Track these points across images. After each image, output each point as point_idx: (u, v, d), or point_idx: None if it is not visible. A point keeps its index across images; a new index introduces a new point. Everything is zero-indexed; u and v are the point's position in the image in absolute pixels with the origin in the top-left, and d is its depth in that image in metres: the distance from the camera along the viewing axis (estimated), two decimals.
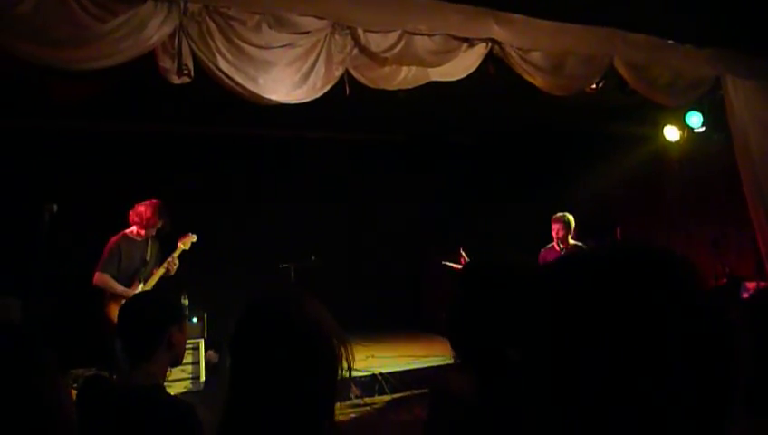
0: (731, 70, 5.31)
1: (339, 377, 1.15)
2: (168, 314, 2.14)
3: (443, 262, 6.23)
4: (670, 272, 0.63)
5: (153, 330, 2.10)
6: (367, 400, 5.24)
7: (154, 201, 4.68)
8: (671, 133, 6.51)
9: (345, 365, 1.16)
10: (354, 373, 4.55)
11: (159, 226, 4.69)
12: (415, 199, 8.10)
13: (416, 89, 4.59)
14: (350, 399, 5.18)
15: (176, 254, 4.81)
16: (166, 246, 4.92)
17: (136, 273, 4.65)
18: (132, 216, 4.62)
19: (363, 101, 4.66)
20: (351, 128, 7.62)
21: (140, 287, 4.63)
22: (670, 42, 5.19)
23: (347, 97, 4.23)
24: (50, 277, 4.44)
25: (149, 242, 4.73)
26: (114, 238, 4.59)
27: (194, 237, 4.96)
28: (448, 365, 5.60)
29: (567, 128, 7.65)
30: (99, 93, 4.78)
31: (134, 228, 4.65)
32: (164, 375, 2.19)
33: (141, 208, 4.61)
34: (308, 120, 6.40)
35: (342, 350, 1.16)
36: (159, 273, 4.74)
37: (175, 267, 4.79)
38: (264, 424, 1.08)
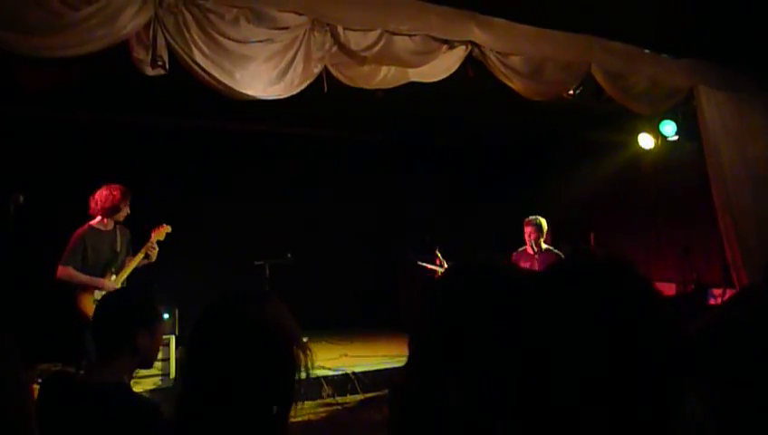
0: (704, 80, 5.43)
1: (296, 380, 1.13)
2: (134, 317, 2.08)
3: (418, 262, 6.25)
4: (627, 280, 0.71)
5: (117, 331, 2.05)
6: (339, 399, 5.21)
7: (114, 185, 4.44)
8: (645, 141, 6.62)
9: (303, 369, 1.15)
10: (326, 372, 4.52)
11: (124, 211, 4.47)
12: (392, 199, 8.10)
13: (394, 89, 4.59)
14: (321, 398, 5.16)
15: (151, 243, 4.61)
16: (139, 238, 4.78)
17: (107, 264, 4.49)
18: (92, 203, 4.40)
19: (343, 99, 4.64)
20: (330, 125, 7.59)
21: (113, 278, 4.48)
22: (647, 51, 5.29)
23: (326, 94, 4.21)
24: (17, 269, 4.31)
25: (118, 232, 4.54)
26: (79, 231, 4.40)
27: (168, 228, 4.77)
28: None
29: (545, 133, 7.73)
30: (70, 82, 4.66)
31: (99, 218, 4.45)
32: (130, 374, 2.15)
33: (102, 193, 4.39)
34: (286, 116, 6.36)
35: (301, 353, 1.14)
36: (133, 264, 4.57)
37: (155, 252, 4.60)
38: (215, 423, 1.06)
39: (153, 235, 4.71)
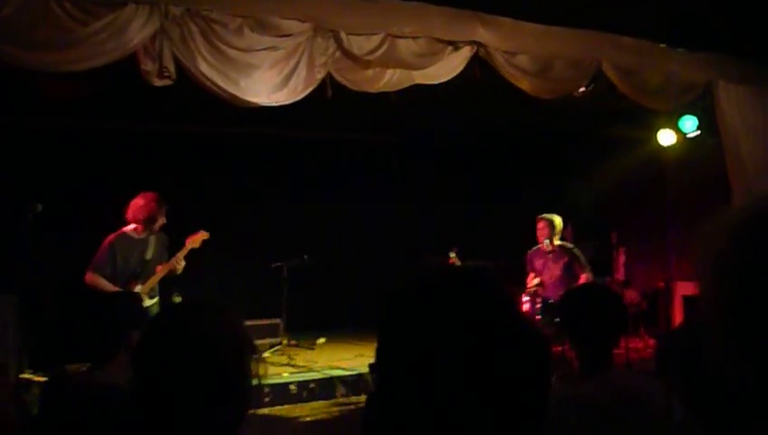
0: (723, 74, 5.27)
1: (243, 389, 1.17)
2: (127, 321, 2.20)
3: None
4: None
5: (112, 335, 2.16)
6: (352, 398, 5.26)
7: (149, 194, 4.35)
8: (666, 137, 6.45)
9: (253, 377, 1.18)
10: (341, 372, 4.55)
11: (160, 221, 4.37)
12: (409, 200, 8.11)
13: (408, 91, 4.57)
14: (335, 397, 5.23)
15: (182, 253, 4.49)
16: (173, 245, 4.59)
17: (134, 273, 4.36)
18: (129, 213, 4.32)
19: (356, 101, 4.67)
20: (347, 128, 7.64)
21: (138, 288, 4.33)
22: (662, 45, 5.16)
23: (340, 97, 4.23)
24: (39, 276, 4.42)
25: (151, 240, 4.42)
26: (110, 237, 4.29)
27: (206, 235, 4.63)
28: None
29: (563, 130, 7.62)
30: (90, 93, 4.82)
31: (133, 225, 4.35)
32: (124, 375, 2.25)
33: (137, 203, 4.31)
34: (306, 120, 6.42)
35: (250, 365, 1.18)
36: (162, 272, 4.42)
37: (181, 266, 4.47)
38: (158, 430, 1.11)
39: (188, 242, 4.57)
